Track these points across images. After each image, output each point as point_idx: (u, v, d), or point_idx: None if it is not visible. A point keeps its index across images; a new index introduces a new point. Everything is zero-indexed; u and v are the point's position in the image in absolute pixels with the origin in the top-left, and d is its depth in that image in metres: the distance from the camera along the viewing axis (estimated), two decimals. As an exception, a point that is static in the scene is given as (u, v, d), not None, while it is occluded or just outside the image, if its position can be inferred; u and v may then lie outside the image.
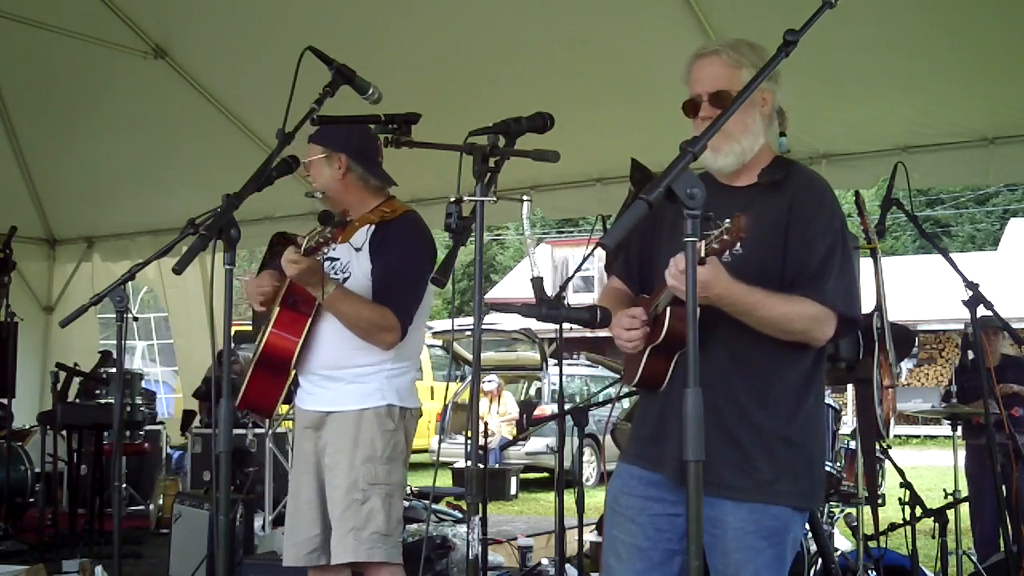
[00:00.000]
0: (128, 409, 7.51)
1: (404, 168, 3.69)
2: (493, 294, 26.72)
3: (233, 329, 2.74)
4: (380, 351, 3.19)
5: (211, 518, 4.91)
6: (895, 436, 5.72)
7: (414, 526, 5.60)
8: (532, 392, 15.00)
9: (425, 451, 12.17)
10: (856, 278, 2.40)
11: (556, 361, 8.62)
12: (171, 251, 3.14)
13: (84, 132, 7.23)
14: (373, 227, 3.25)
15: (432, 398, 13.90)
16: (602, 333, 2.66)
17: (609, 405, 4.95)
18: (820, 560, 4.49)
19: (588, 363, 14.64)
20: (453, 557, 5.31)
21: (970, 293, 3.97)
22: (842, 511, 5.13)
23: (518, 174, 6.02)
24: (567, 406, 4.73)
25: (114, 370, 7.10)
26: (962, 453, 6.26)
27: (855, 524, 4.61)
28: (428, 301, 3.31)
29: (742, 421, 2.33)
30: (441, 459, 11.68)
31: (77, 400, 7.38)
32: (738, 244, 1.99)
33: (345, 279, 3.23)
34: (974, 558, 5.19)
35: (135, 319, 11.48)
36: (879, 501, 4.68)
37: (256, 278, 3.28)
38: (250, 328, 6.66)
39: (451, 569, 5.29)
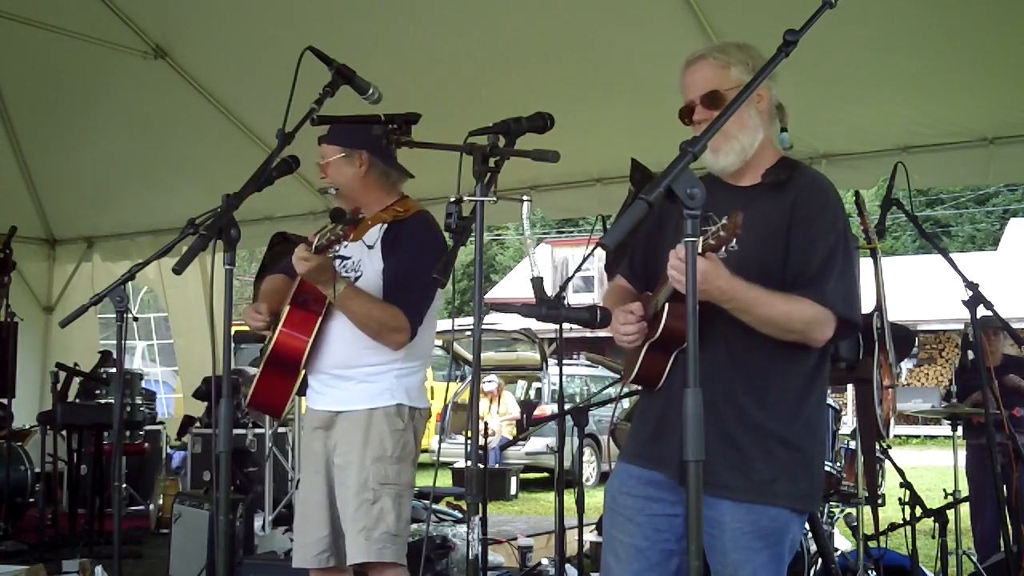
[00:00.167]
0: (128, 409, 7.51)
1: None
2: (493, 294, 26.72)
3: (233, 329, 2.74)
4: (390, 351, 3.17)
5: (211, 518, 4.92)
6: (895, 436, 5.72)
7: (414, 526, 5.59)
8: (532, 392, 15.00)
9: (425, 451, 12.15)
10: (858, 280, 2.39)
11: (556, 361, 8.62)
12: (171, 251, 3.13)
13: (84, 132, 7.22)
14: (386, 226, 3.23)
15: (432, 398, 13.87)
16: (602, 333, 2.66)
17: (609, 405, 4.96)
18: (820, 560, 4.49)
19: (588, 363, 14.64)
20: (453, 557, 5.31)
21: (970, 293, 3.96)
22: (842, 511, 5.13)
23: (518, 174, 6.02)
24: (567, 406, 4.73)
25: (114, 370, 7.11)
26: (962, 453, 6.26)
27: (855, 524, 4.61)
28: (439, 302, 3.29)
29: (740, 421, 2.33)
30: (441, 459, 11.68)
31: (77, 400, 7.38)
32: (734, 241, 2.00)
33: (357, 278, 3.20)
34: (974, 558, 5.19)
35: (135, 319, 11.50)
36: (879, 501, 4.67)
37: (252, 306, 3.25)
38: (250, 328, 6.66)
39: (451, 569, 5.29)
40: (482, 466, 5.52)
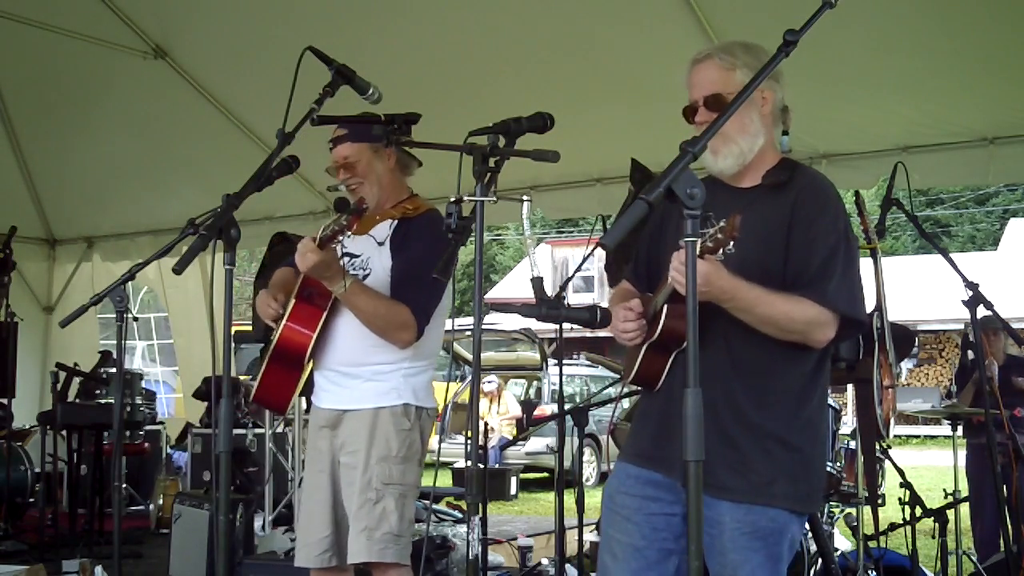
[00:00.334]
0: (128, 409, 7.50)
1: (404, 168, 3.68)
2: (493, 294, 26.72)
3: (233, 329, 2.74)
4: (398, 349, 3.15)
5: (211, 518, 4.92)
6: (895, 436, 5.72)
7: (414, 526, 5.60)
8: (532, 392, 15.00)
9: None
10: (860, 279, 2.39)
11: (556, 361, 8.62)
12: (171, 251, 3.12)
13: (84, 132, 7.22)
14: (396, 223, 3.21)
15: (432, 398, 13.87)
16: (602, 333, 2.67)
17: (609, 405, 4.96)
18: (820, 560, 4.49)
19: (588, 363, 14.64)
20: (453, 557, 5.30)
21: (970, 293, 3.96)
22: (842, 511, 5.13)
23: (518, 174, 6.02)
24: (567, 406, 4.73)
25: (114, 370, 7.12)
26: (962, 453, 6.26)
27: (855, 524, 4.61)
28: (447, 301, 3.26)
29: (739, 421, 2.33)
30: (441, 459, 11.68)
31: (77, 400, 7.37)
32: (731, 243, 2.00)
33: (366, 276, 3.19)
34: (974, 558, 5.19)
35: (135, 319, 11.49)
36: (879, 501, 4.67)
37: (264, 294, 3.22)
38: (251, 328, 6.66)
39: (451, 569, 5.29)
40: (482, 466, 5.51)
